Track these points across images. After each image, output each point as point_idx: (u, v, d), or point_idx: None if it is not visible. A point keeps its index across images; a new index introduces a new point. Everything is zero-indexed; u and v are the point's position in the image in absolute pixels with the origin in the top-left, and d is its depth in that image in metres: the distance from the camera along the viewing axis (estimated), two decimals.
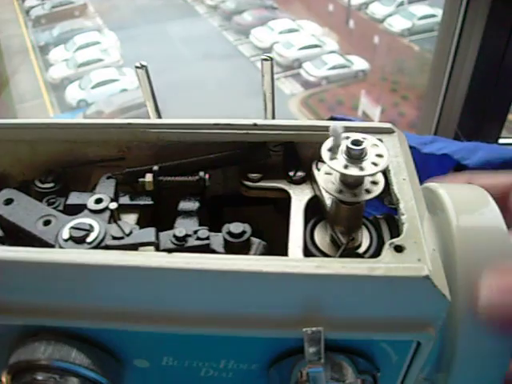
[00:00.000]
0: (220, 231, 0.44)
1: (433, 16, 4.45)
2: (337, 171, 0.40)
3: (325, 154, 0.41)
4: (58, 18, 5.63)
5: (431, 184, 0.51)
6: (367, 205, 0.44)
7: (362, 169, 0.40)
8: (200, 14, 5.53)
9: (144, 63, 0.52)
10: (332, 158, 0.40)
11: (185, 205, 0.48)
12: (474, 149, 0.81)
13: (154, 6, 5.62)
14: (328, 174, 0.43)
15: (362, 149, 0.40)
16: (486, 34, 1.07)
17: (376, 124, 0.50)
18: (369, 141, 0.41)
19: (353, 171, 0.39)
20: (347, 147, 0.40)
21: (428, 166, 0.88)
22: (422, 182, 0.89)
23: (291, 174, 0.49)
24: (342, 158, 0.40)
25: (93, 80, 4.85)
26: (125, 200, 0.49)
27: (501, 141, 1.21)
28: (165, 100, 4.22)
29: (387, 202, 0.47)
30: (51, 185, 0.51)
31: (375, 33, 4.70)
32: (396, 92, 4.31)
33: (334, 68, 4.53)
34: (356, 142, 0.40)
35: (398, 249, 0.39)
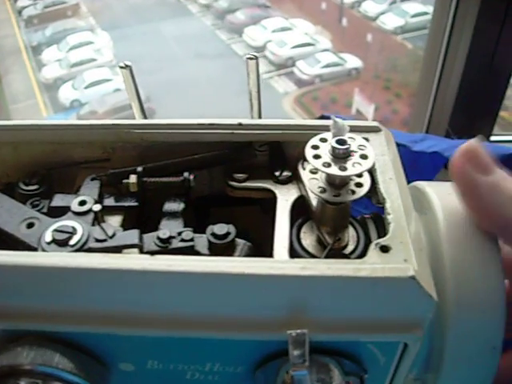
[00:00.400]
0: (205, 232, 0.43)
1: (425, 14, 4.46)
2: (320, 171, 0.39)
3: (309, 152, 0.40)
4: (51, 18, 5.62)
5: (419, 183, 0.51)
6: (357, 203, 0.44)
7: (345, 168, 0.39)
8: (193, 13, 5.52)
9: (128, 63, 0.51)
10: (316, 157, 0.40)
11: (170, 206, 0.47)
12: None
13: (147, 5, 5.62)
14: (313, 173, 0.42)
15: (347, 148, 0.39)
16: (476, 31, 1.07)
17: (363, 122, 0.49)
18: (356, 141, 0.41)
19: (336, 171, 0.39)
20: (332, 146, 0.40)
21: (419, 164, 0.88)
22: (412, 179, 0.89)
23: (277, 173, 0.49)
24: (326, 157, 0.40)
25: (86, 80, 4.84)
26: (109, 202, 0.49)
27: (492, 138, 1.21)
28: (158, 99, 4.22)
29: (375, 200, 0.46)
30: (35, 187, 0.50)
31: (368, 31, 4.70)
32: (389, 90, 4.31)
33: (327, 66, 4.53)
34: (341, 142, 0.40)
35: (384, 249, 0.39)
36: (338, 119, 0.40)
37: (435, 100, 1.21)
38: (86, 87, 4.84)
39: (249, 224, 0.53)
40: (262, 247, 0.44)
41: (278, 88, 4.59)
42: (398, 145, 0.84)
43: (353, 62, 4.51)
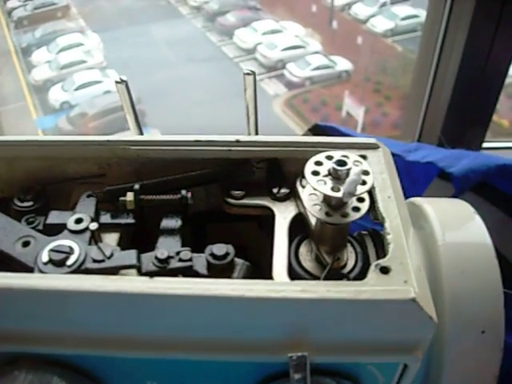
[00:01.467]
0: (203, 249, 0.43)
1: (415, 16, 4.46)
2: (326, 195, 0.39)
3: (310, 177, 0.40)
4: (41, 20, 5.58)
5: (416, 199, 0.51)
6: None
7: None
8: (183, 15, 5.50)
9: (124, 78, 0.51)
10: (319, 182, 0.39)
11: (167, 223, 0.47)
12: (458, 156, 0.80)
13: (137, 7, 5.59)
14: (312, 194, 0.42)
15: (348, 169, 0.39)
16: (470, 36, 1.07)
17: (360, 139, 0.49)
18: (351, 158, 0.41)
19: (337, 193, 0.39)
20: (333, 169, 0.39)
21: (412, 174, 0.88)
22: (406, 189, 0.89)
23: (275, 190, 0.48)
24: (328, 180, 0.40)
25: (76, 82, 4.81)
26: (106, 219, 0.48)
27: (485, 145, 1.21)
28: (149, 101, 4.20)
29: (373, 217, 0.46)
30: (30, 203, 0.50)
31: (358, 33, 4.69)
32: (379, 92, 4.31)
33: (317, 69, 4.52)
34: (341, 162, 0.39)
35: (384, 270, 0.39)
36: (352, 176, 0.40)
37: (427, 106, 1.21)
38: (75, 89, 4.81)
39: (246, 240, 0.53)
40: (261, 263, 0.44)
41: (269, 90, 4.58)
42: (393, 155, 0.84)
43: (343, 64, 4.50)
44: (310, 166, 0.41)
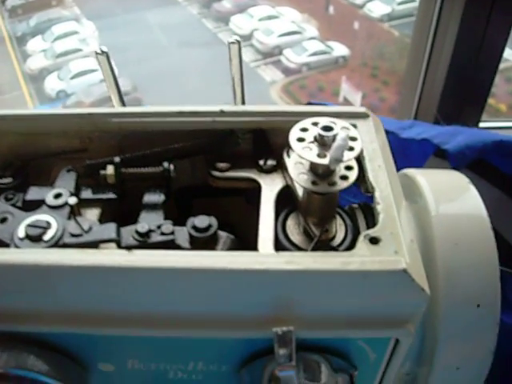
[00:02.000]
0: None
1: (412, 1, 4.43)
2: (312, 162, 0.37)
3: (295, 144, 0.38)
4: (35, 8, 5.55)
5: (409, 170, 0.49)
6: (345, 191, 0.42)
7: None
8: (179, 1, 5.47)
9: (105, 49, 0.49)
10: (304, 148, 0.38)
11: (150, 198, 0.45)
12: (453, 133, 0.79)
13: None
14: (298, 163, 0.40)
15: (335, 134, 0.37)
16: (464, 16, 1.05)
17: (350, 108, 0.47)
18: (338, 124, 0.39)
19: (323, 159, 0.37)
20: (319, 134, 0.37)
21: (408, 151, 0.86)
22: (402, 167, 0.87)
23: (261, 162, 0.46)
24: (314, 146, 0.38)
25: (72, 70, 4.78)
26: (87, 194, 0.47)
27: (481, 124, 1.19)
28: (145, 88, 4.18)
29: (363, 189, 0.44)
30: (9, 180, 0.48)
31: (355, 18, 4.67)
32: (376, 77, 4.29)
33: (314, 54, 4.50)
34: (327, 128, 0.38)
35: (374, 241, 0.37)
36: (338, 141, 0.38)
37: (423, 86, 1.19)
38: (71, 77, 4.78)
39: (233, 215, 0.51)
40: (248, 239, 0.42)
41: (265, 76, 4.56)
42: (387, 132, 0.83)
43: (340, 49, 4.48)
44: (294, 133, 0.39)
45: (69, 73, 4.78)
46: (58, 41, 5.13)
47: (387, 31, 4.59)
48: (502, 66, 1.14)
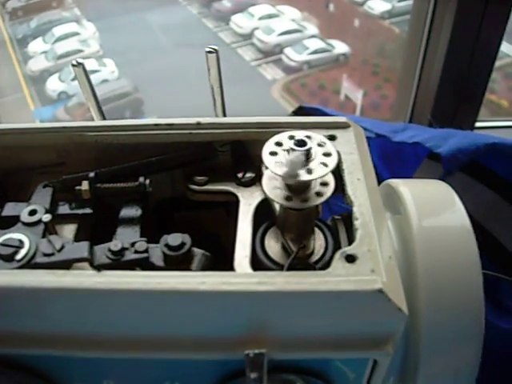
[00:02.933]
0: None
1: None
2: (281, 177, 0.36)
3: (267, 158, 0.37)
4: (35, 10, 5.55)
5: (392, 180, 0.48)
6: (334, 197, 0.40)
7: (309, 171, 0.36)
8: (179, 1, 5.47)
9: (80, 61, 0.48)
10: (276, 163, 0.37)
11: (126, 212, 0.44)
12: (446, 136, 0.77)
13: None
14: (273, 177, 0.39)
15: (308, 149, 0.36)
16: (459, 12, 1.04)
17: (330, 119, 0.46)
18: (314, 138, 0.38)
19: (303, 175, 0.36)
20: (291, 149, 0.36)
21: (401, 155, 0.85)
22: (396, 170, 0.86)
23: (240, 175, 0.45)
24: (286, 161, 0.37)
25: (73, 72, 4.78)
26: (64, 209, 0.46)
27: (478, 124, 1.18)
28: (146, 89, 4.18)
29: (345, 200, 0.43)
30: None
31: (355, 16, 4.65)
32: (377, 75, 4.27)
33: (315, 52, 4.48)
34: (300, 142, 0.37)
35: (350, 259, 0.36)
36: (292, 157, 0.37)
37: (418, 87, 1.18)
38: (73, 79, 4.78)
39: (215, 226, 0.50)
40: (229, 252, 0.41)
41: (266, 75, 4.55)
42: (379, 135, 0.82)
43: (340, 47, 4.46)
44: (268, 147, 0.38)
45: (70, 74, 4.77)
46: (59, 42, 5.14)
47: (388, 28, 4.58)
48: (502, 61, 1.13)
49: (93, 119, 0.53)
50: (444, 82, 1.12)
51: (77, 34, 5.24)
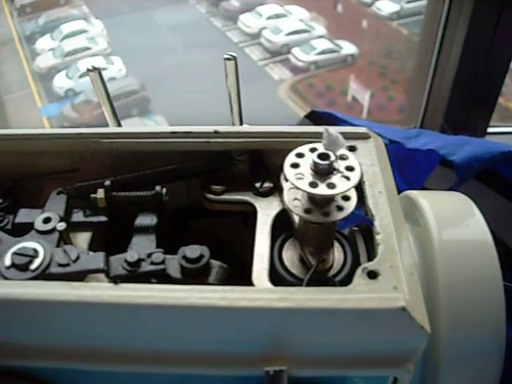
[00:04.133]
0: (184, 245, 0.39)
1: None
2: (303, 191, 0.35)
3: (288, 171, 0.36)
4: (44, 7, 5.55)
5: (411, 192, 0.47)
6: None
7: (331, 186, 0.35)
8: (187, 0, 5.47)
9: (96, 66, 0.47)
10: (297, 175, 0.36)
11: (142, 221, 0.44)
12: (460, 143, 0.76)
13: None
14: (293, 188, 0.38)
15: (331, 163, 0.36)
16: (473, 17, 1.03)
17: (351, 129, 0.45)
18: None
19: (321, 190, 0.35)
20: (314, 162, 0.36)
21: (414, 160, 0.84)
22: (408, 176, 0.85)
23: (257, 185, 0.45)
24: (308, 174, 0.36)
25: (80, 69, 4.78)
26: (78, 217, 0.45)
27: (490, 130, 1.17)
28: (153, 87, 4.18)
29: (364, 211, 0.42)
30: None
31: (363, 17, 4.64)
32: (385, 76, 4.26)
33: (322, 53, 4.47)
34: (323, 156, 0.36)
35: (372, 275, 0.35)
36: (331, 130, 0.36)
37: (430, 91, 1.17)
38: (80, 76, 4.78)
39: (231, 234, 0.50)
40: (247, 259, 0.40)
41: (274, 75, 4.54)
42: (392, 142, 0.81)
43: (348, 48, 4.45)
44: (290, 158, 0.37)
45: (77, 71, 4.77)
46: (67, 39, 5.14)
47: (396, 30, 4.56)
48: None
49: (106, 124, 0.52)
50: (457, 86, 1.11)
51: (85, 31, 5.24)
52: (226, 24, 5.02)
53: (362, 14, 4.71)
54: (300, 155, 0.37)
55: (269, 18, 4.87)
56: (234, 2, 5.16)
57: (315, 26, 4.73)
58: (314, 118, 0.90)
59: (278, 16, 4.91)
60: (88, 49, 4.98)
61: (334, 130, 0.36)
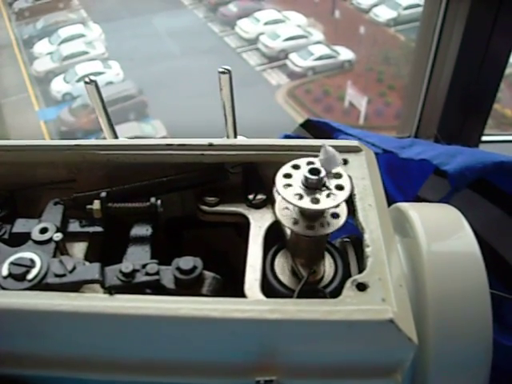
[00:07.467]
0: (179, 256, 0.40)
1: (418, 6, 4.41)
2: (291, 203, 0.36)
3: (279, 179, 0.37)
4: (42, 11, 5.56)
5: (402, 204, 0.48)
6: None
7: (315, 201, 0.36)
8: (185, 5, 5.47)
9: (93, 78, 0.48)
10: (286, 185, 0.37)
11: (137, 232, 0.44)
12: (453, 153, 0.77)
13: None
14: (285, 201, 0.39)
15: (320, 179, 0.36)
16: (468, 25, 1.04)
17: (342, 142, 0.46)
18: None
19: (303, 203, 0.36)
20: (304, 176, 0.37)
21: (407, 170, 0.85)
22: (401, 185, 0.86)
23: (251, 197, 0.46)
24: (297, 185, 0.37)
25: (78, 73, 4.79)
26: (74, 227, 0.46)
27: (484, 138, 1.18)
28: (151, 92, 4.18)
29: (355, 224, 0.43)
30: None
31: (361, 23, 4.65)
32: (382, 82, 4.28)
33: (320, 59, 4.49)
34: (314, 171, 0.37)
35: (361, 287, 0.36)
36: (329, 148, 0.37)
37: (425, 99, 1.18)
38: (77, 80, 4.79)
39: (224, 244, 0.50)
40: (238, 270, 0.41)
41: (271, 80, 4.55)
42: (386, 151, 0.82)
43: (346, 54, 4.47)
44: (284, 169, 0.38)
45: (75, 75, 4.78)
46: (65, 43, 5.14)
47: (393, 36, 4.58)
48: (507, 70, 1.12)
49: (103, 133, 0.53)
50: (451, 94, 1.11)
51: (83, 35, 5.24)
52: (224, 29, 5.03)
53: (359, 20, 4.73)
54: (296, 167, 0.38)
55: (266, 23, 4.88)
56: (232, 8, 5.18)
57: (313, 32, 4.75)
58: (310, 126, 0.90)
59: (275, 22, 4.92)
60: (86, 53, 4.99)
61: (331, 147, 0.37)
